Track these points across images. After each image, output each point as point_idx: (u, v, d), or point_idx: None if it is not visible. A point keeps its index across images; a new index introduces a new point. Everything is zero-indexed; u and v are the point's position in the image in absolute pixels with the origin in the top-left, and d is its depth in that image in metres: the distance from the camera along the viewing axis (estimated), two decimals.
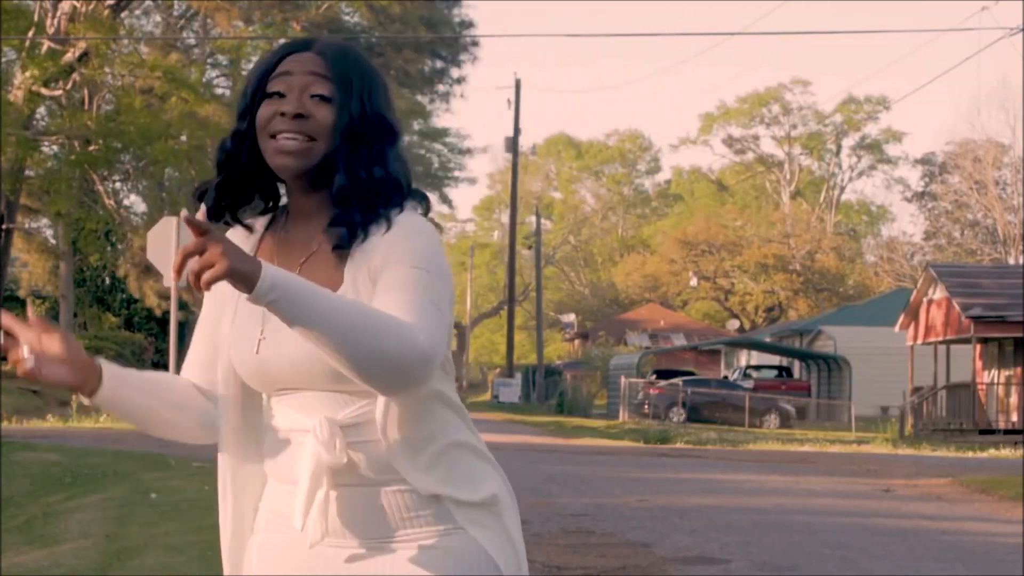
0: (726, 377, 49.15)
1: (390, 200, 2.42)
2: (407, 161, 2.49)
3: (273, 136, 2.40)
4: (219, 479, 2.54)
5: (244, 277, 2.15)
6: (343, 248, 2.39)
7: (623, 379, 43.23)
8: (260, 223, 2.53)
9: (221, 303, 2.51)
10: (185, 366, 2.55)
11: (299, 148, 2.38)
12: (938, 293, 34.19)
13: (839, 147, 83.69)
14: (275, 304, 2.17)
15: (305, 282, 2.21)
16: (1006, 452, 25.56)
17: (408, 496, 2.40)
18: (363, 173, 2.40)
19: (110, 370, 2.42)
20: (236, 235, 2.50)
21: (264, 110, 2.42)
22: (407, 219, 2.40)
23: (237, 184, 2.48)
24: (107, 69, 29.31)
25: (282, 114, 2.39)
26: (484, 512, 2.44)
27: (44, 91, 28.56)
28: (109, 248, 37.65)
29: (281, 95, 2.41)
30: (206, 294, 2.47)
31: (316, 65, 2.43)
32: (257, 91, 2.44)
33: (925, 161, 75.38)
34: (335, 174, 2.40)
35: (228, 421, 2.50)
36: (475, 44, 42.83)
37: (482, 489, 2.44)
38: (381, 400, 2.36)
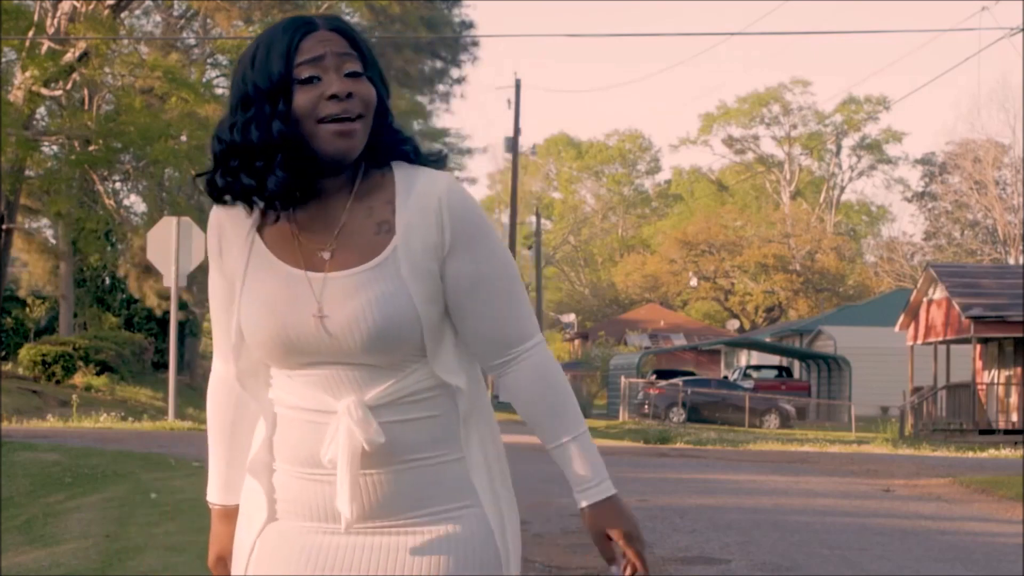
0: (726, 377, 49.15)
1: (412, 144, 2.54)
2: None
3: (323, 120, 2.40)
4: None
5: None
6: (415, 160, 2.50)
7: (623, 379, 43.26)
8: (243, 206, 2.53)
9: (229, 280, 2.52)
10: (228, 354, 2.54)
11: (354, 128, 2.41)
12: (938, 293, 34.19)
13: (839, 147, 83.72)
14: None
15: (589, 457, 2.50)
16: (1006, 452, 25.54)
17: (430, 470, 2.45)
18: (399, 134, 2.51)
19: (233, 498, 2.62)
20: (234, 214, 2.50)
21: (304, 96, 2.41)
22: (452, 184, 2.49)
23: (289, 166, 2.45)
24: (107, 69, 29.30)
25: (330, 97, 2.40)
26: (498, 479, 2.54)
27: (44, 91, 28.55)
28: (109, 248, 37.62)
29: (317, 79, 2.42)
30: (213, 276, 2.53)
31: (340, 43, 2.45)
32: (284, 75, 2.41)
33: (925, 161, 75.38)
34: (397, 145, 2.50)
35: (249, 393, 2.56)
36: (475, 44, 42.82)
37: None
38: (415, 376, 2.45)
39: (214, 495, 2.61)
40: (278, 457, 2.47)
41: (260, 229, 2.49)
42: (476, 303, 2.47)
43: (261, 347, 2.43)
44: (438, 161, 2.53)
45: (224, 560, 2.61)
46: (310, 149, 2.41)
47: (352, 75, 2.43)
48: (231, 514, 2.58)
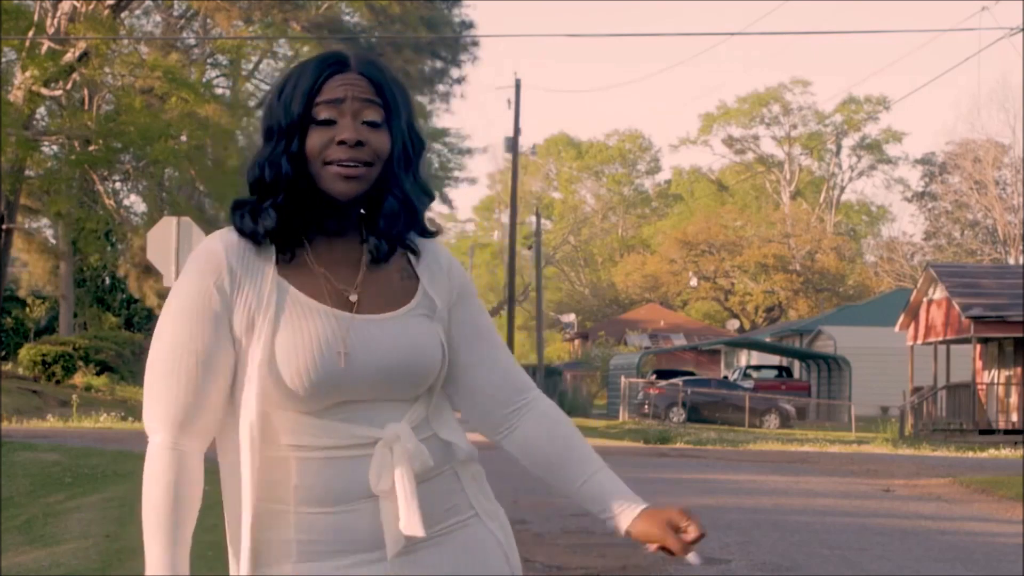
0: (726, 377, 49.14)
1: (425, 208, 2.54)
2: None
3: (328, 163, 2.42)
4: (239, 511, 2.43)
5: None
6: (380, 261, 2.48)
7: (623, 379, 43.27)
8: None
9: (246, 318, 2.41)
10: (176, 421, 2.39)
11: (360, 174, 2.42)
12: (938, 293, 34.19)
13: (839, 147, 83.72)
14: None
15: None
16: (1006, 452, 25.55)
17: (443, 483, 2.49)
18: (409, 190, 2.49)
19: None
20: (241, 254, 2.44)
21: (317, 137, 2.42)
22: (448, 250, 2.61)
23: (292, 206, 2.46)
24: (107, 69, 29.32)
25: (340, 143, 2.41)
26: (493, 504, 2.59)
27: (44, 91, 28.56)
28: (109, 248, 37.65)
29: (333, 122, 2.43)
30: (194, 325, 2.39)
31: (364, 89, 2.45)
32: (303, 114, 2.43)
33: (925, 161, 75.39)
34: (386, 194, 2.47)
35: (254, 446, 2.40)
36: (475, 44, 42.83)
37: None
38: (425, 402, 2.49)
39: None
40: (294, 501, 2.42)
41: (280, 269, 2.45)
42: (484, 348, 2.55)
43: (305, 388, 2.38)
44: (435, 233, 2.59)
45: None
46: (316, 188, 2.44)
47: (369, 124, 2.44)
48: None
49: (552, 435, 2.54)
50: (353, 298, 2.45)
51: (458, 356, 2.54)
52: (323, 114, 2.43)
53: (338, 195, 2.42)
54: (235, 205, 2.49)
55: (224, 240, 2.44)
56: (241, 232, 2.45)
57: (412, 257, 2.54)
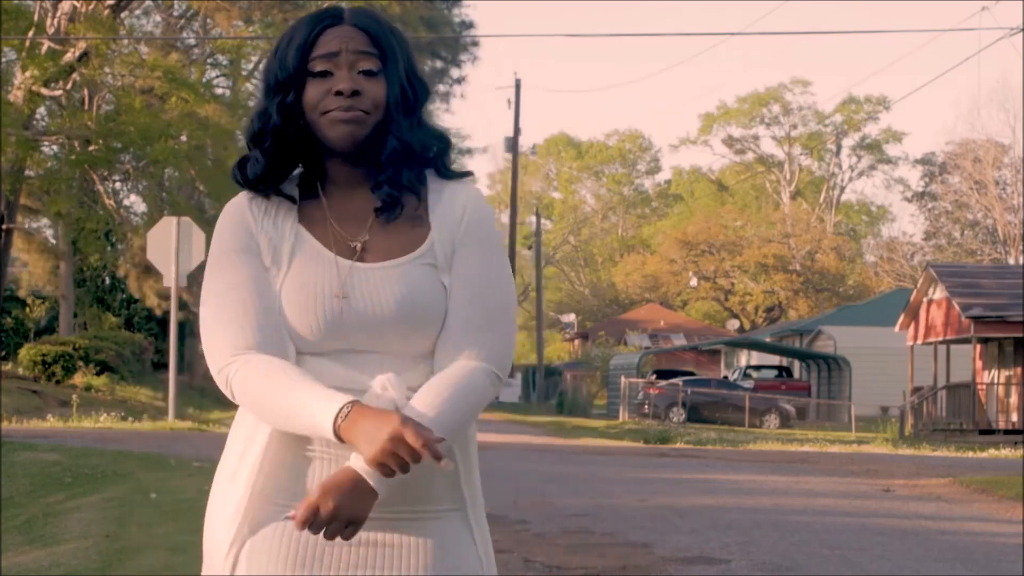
0: (726, 377, 49.14)
1: (439, 153, 2.55)
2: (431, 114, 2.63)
3: (325, 113, 2.46)
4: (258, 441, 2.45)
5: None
6: (388, 213, 2.49)
7: (623, 379, 43.26)
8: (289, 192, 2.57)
9: (270, 258, 2.48)
10: (260, 330, 2.42)
11: (356, 117, 2.45)
12: (938, 293, 34.18)
13: (839, 147, 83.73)
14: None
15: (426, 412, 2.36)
16: (1006, 452, 25.54)
17: (427, 465, 2.42)
18: (411, 135, 2.51)
19: None
20: (272, 205, 2.52)
21: (314, 89, 2.47)
22: (479, 194, 2.56)
23: (281, 156, 2.52)
24: (107, 69, 29.30)
25: (337, 93, 2.45)
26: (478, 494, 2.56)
27: (44, 91, 28.54)
28: (109, 248, 37.63)
29: (329, 74, 2.47)
30: (244, 259, 2.47)
31: (359, 41, 2.49)
32: (299, 68, 2.48)
33: (925, 161, 75.38)
34: (386, 139, 2.49)
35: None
36: (475, 44, 42.88)
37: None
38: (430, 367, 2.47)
39: (334, 402, 2.32)
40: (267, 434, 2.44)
41: (300, 217, 2.53)
42: (456, 302, 2.47)
43: (304, 328, 2.43)
44: (464, 176, 2.58)
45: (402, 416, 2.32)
46: (317, 138, 2.49)
47: (366, 73, 2.47)
48: (363, 405, 2.34)
49: (441, 383, 2.41)
50: (356, 245, 2.48)
51: None
52: (319, 67, 2.47)
53: (337, 140, 2.47)
54: (237, 164, 2.57)
55: (247, 194, 2.55)
56: (244, 183, 2.54)
57: (431, 201, 2.52)
